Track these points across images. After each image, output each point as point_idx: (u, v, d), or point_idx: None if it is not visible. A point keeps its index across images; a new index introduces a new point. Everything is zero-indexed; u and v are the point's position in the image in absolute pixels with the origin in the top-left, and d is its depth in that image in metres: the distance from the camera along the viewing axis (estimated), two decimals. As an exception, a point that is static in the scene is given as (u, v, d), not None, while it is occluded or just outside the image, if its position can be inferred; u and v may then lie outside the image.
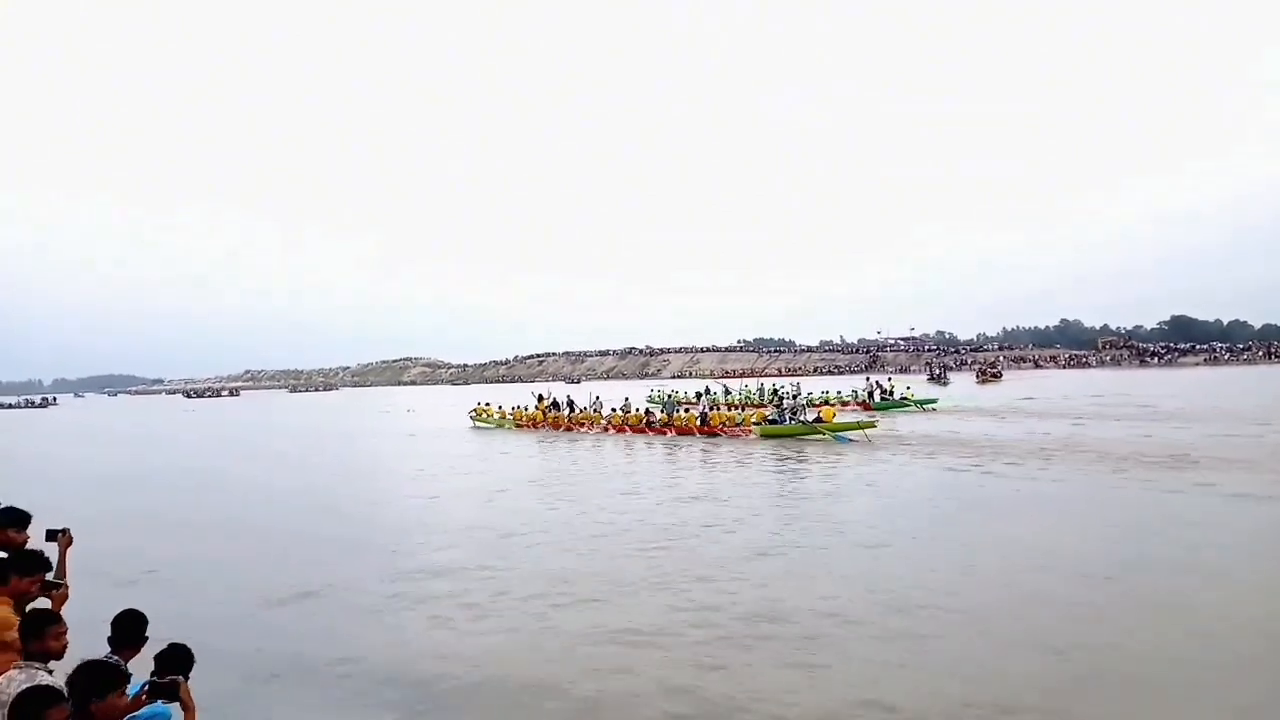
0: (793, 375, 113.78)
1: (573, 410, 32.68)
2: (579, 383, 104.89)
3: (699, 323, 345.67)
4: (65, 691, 2.50)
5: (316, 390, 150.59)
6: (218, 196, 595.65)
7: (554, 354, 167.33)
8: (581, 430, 30.47)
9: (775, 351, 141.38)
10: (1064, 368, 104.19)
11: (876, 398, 36.59)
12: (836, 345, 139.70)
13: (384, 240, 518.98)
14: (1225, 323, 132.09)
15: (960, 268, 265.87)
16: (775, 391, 30.65)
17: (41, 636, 2.98)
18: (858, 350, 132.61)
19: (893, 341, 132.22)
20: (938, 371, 67.83)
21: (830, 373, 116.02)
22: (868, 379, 41.54)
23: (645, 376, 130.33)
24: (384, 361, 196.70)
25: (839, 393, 38.69)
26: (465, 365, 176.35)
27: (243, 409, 75.84)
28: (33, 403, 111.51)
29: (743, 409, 31.91)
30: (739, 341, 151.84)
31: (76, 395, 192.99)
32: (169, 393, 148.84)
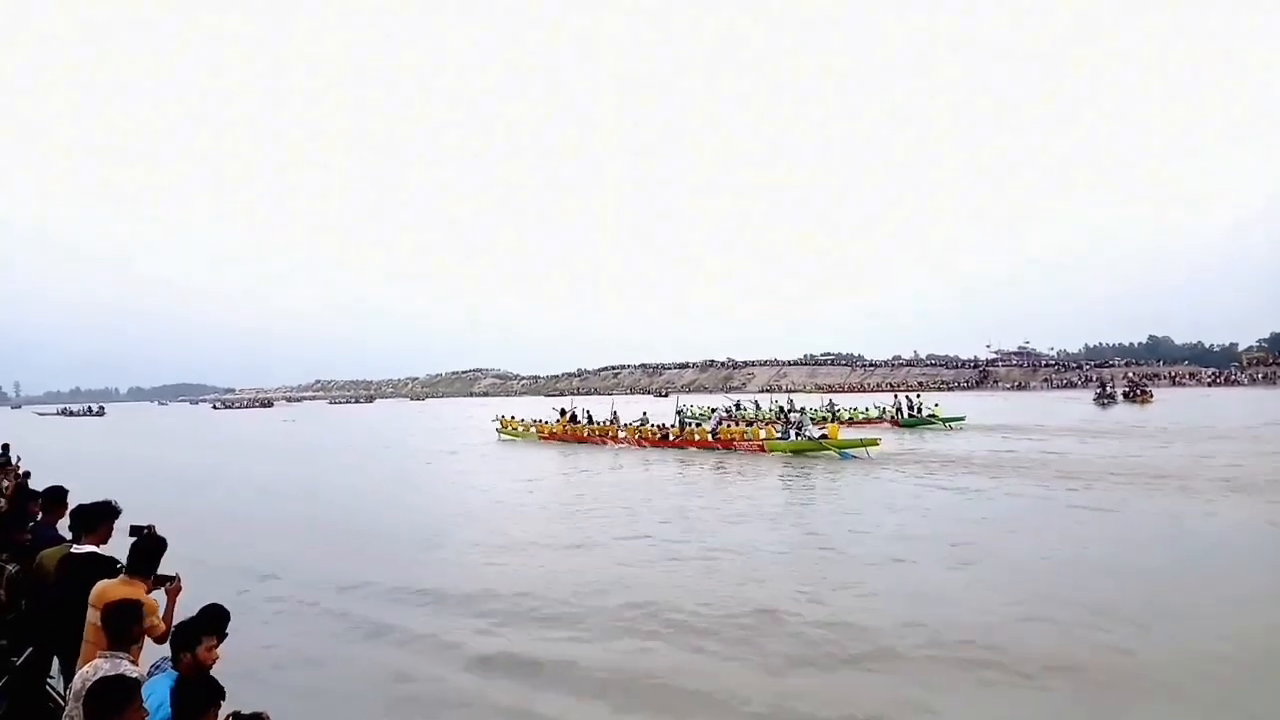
0: (894, 390, 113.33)
1: (591, 423, 36.06)
2: (665, 395, 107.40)
3: (762, 335, 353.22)
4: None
5: (356, 402, 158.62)
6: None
7: (629, 366, 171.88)
8: (602, 443, 33.78)
9: (870, 365, 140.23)
10: (1209, 385, 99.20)
11: (905, 414, 38.42)
12: (940, 359, 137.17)
13: (453, 254, 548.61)
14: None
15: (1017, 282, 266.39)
16: (782, 409, 32.96)
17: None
18: (965, 365, 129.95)
19: (1005, 355, 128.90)
20: (1110, 390, 63.75)
21: (935, 388, 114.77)
22: (895, 396, 43.12)
23: (729, 390, 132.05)
24: (454, 373, 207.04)
25: (866, 409, 40.67)
26: (537, 377, 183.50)
27: (257, 421, 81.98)
28: (71, 411, 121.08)
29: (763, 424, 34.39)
30: (805, 356, 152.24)
31: (159, 403, 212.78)
32: (218, 404, 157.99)
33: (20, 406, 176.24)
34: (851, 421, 39.07)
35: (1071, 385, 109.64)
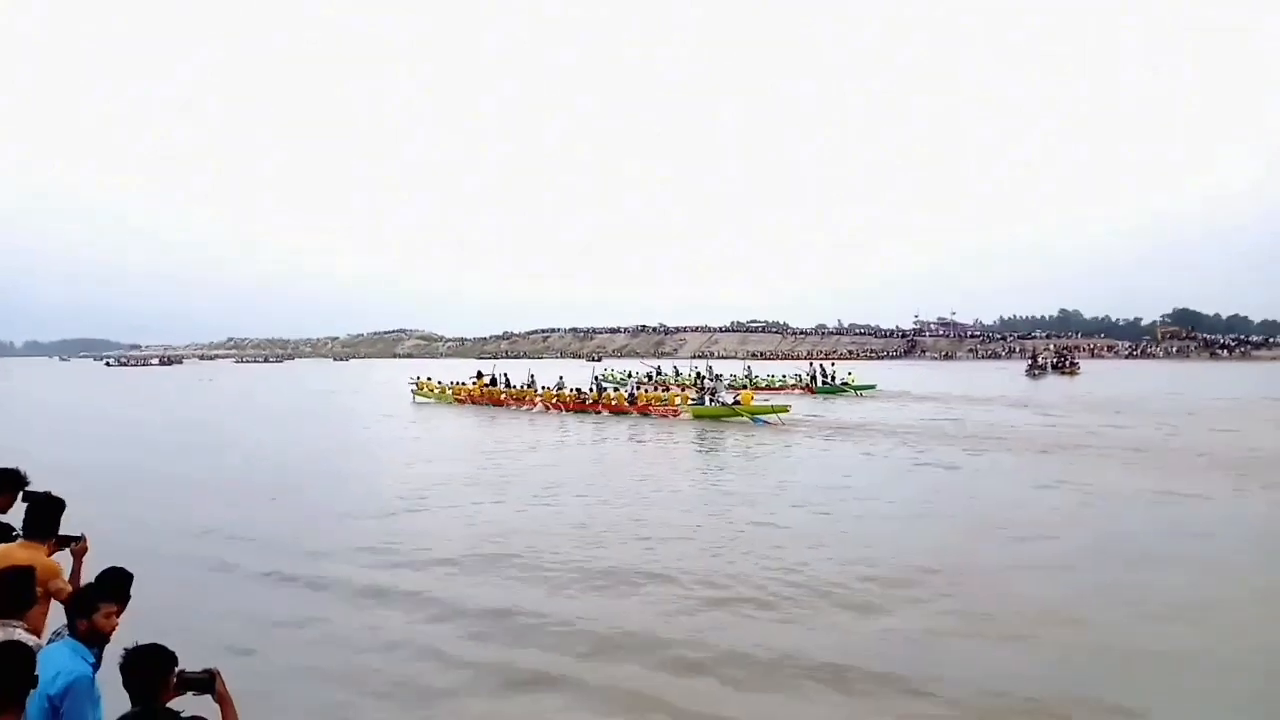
0: (823, 358, 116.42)
1: (509, 387, 36.16)
2: (599, 360, 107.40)
3: (698, 302, 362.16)
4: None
5: (268, 361, 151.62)
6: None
7: (559, 329, 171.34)
8: (517, 406, 33.91)
9: (800, 334, 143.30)
10: (1126, 358, 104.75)
11: (819, 382, 40.01)
12: (867, 329, 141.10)
13: (381, 215, 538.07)
14: (1225, 317, 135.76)
15: (945, 257, 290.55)
16: (699, 375, 33.81)
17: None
18: (893, 335, 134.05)
19: (931, 326, 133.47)
20: (1041, 363, 64.80)
21: (864, 357, 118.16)
22: (810, 364, 44.78)
23: (660, 355, 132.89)
24: (376, 333, 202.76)
25: (784, 376, 42.15)
26: (464, 339, 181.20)
27: (140, 380, 79.01)
28: None
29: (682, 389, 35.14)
30: (732, 323, 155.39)
31: (60, 358, 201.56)
32: (113, 361, 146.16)
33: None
34: (770, 388, 40.28)
35: (996, 356, 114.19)
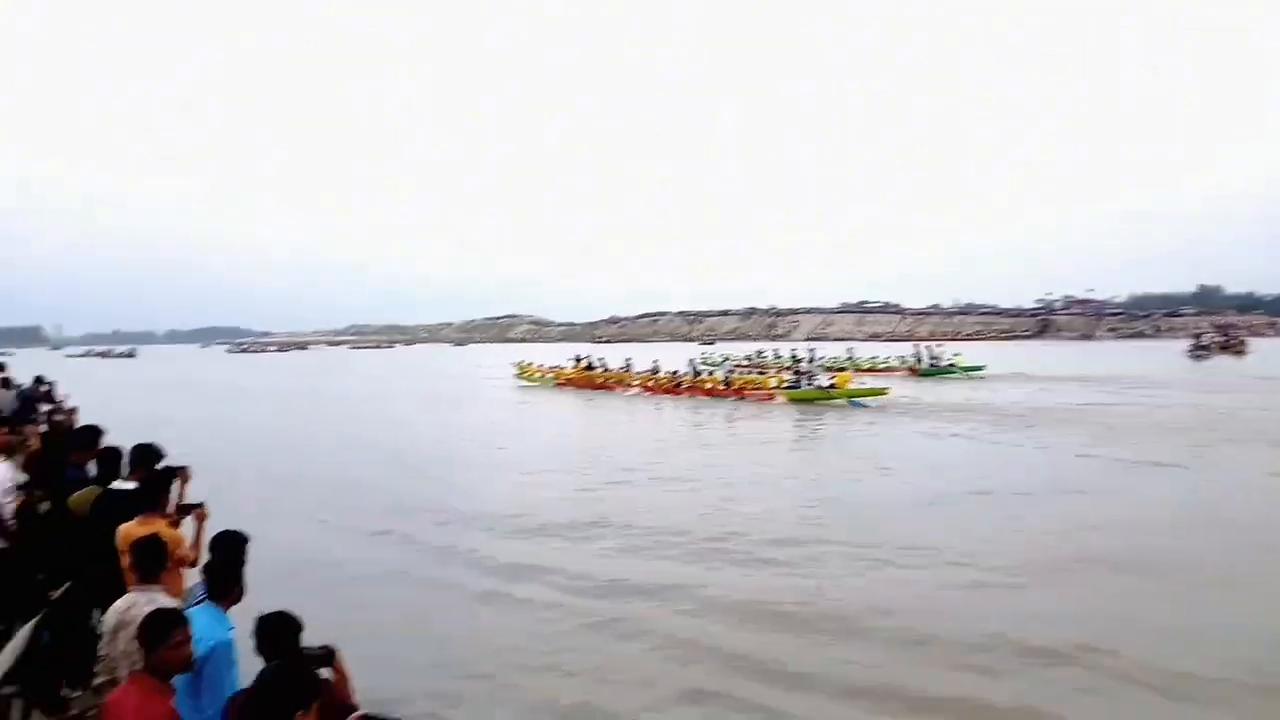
0: (947, 339, 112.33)
1: (606, 371, 37.49)
2: (711, 343, 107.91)
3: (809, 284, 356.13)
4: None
5: (379, 348, 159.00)
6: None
7: (668, 313, 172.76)
8: (614, 390, 35.20)
9: (921, 314, 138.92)
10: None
11: (925, 363, 39.31)
12: (992, 308, 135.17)
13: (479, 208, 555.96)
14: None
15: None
16: (795, 358, 33.86)
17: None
18: (1023, 314, 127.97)
19: (1065, 303, 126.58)
20: (1206, 342, 58.90)
21: (992, 337, 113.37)
22: (915, 345, 43.87)
23: (772, 338, 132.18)
24: (489, 319, 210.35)
25: (886, 359, 41.58)
26: (573, 324, 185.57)
27: (249, 367, 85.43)
28: (103, 353, 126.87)
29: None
30: (851, 303, 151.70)
31: (201, 346, 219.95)
32: (233, 347, 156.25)
33: (60, 348, 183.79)
34: (872, 370, 39.95)
35: (1140, 335, 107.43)
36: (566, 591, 8.30)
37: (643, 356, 41.81)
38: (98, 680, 3.35)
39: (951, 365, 38.58)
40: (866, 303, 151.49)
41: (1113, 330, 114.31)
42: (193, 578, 3.83)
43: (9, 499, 5.17)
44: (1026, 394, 28.85)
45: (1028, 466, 15.18)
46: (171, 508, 4.49)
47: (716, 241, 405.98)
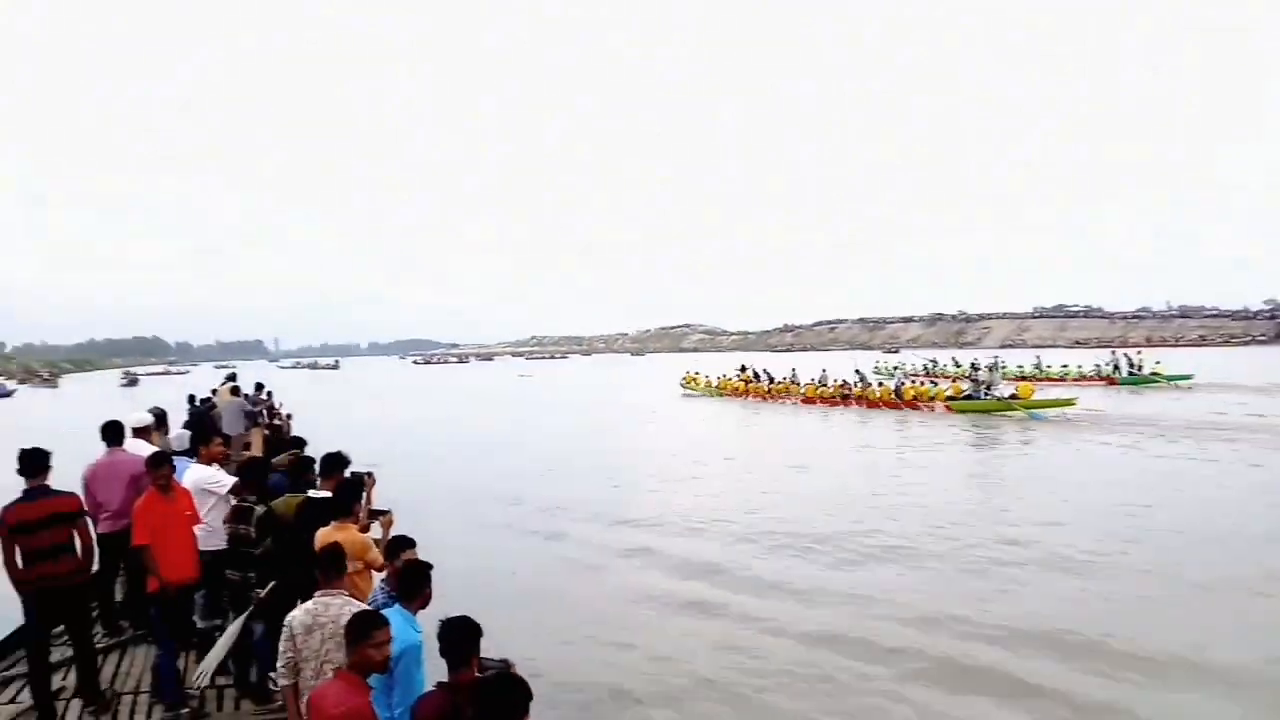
0: (1165, 346, 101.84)
1: (771, 381, 37.33)
2: (896, 351, 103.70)
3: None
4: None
5: (551, 359, 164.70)
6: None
7: (846, 320, 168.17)
8: (778, 400, 35.06)
9: (1134, 317, 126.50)
10: None
11: (1124, 372, 35.88)
12: (1214, 310, 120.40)
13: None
14: None
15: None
16: (973, 366, 32.00)
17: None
18: (1258, 315, 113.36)
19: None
20: None
21: (1219, 342, 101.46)
22: (1113, 351, 39.96)
23: (961, 345, 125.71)
24: (663, 328, 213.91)
25: (1079, 367, 38.28)
26: (747, 333, 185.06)
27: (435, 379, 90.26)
28: (310, 365, 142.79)
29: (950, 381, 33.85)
30: (1051, 306, 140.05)
31: (400, 357, 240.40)
32: (418, 360, 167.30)
33: (277, 360, 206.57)
34: (1063, 379, 37.42)
35: None
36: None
37: (813, 366, 41.35)
38: (282, 680, 3.56)
39: (1154, 374, 35.17)
40: (1064, 306, 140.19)
41: None
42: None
43: (224, 503, 5.53)
44: (1237, 406, 25.79)
45: (1197, 487, 13.87)
46: (363, 513, 4.90)
47: (907, 250, 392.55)
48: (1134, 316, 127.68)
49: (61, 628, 4.98)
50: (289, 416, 19.53)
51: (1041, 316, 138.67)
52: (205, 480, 5.50)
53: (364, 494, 4.98)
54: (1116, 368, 36.43)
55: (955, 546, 10.30)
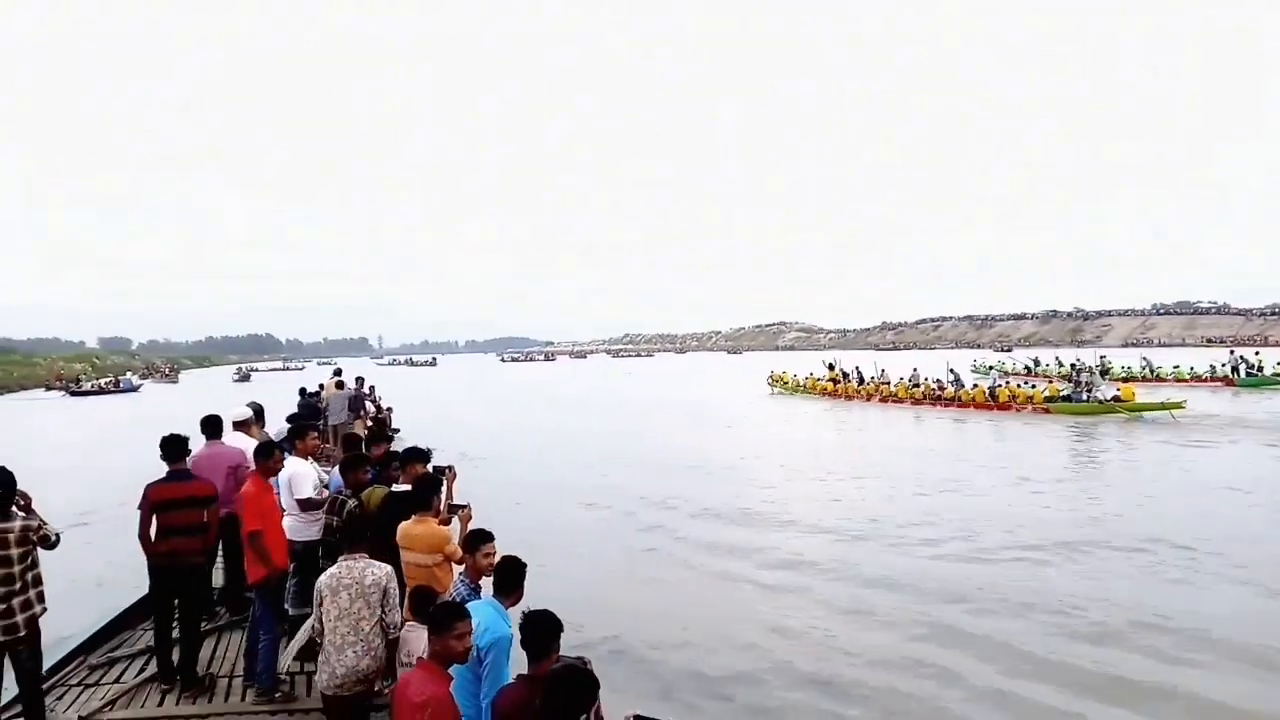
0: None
1: (862, 381, 37.18)
2: (1009, 350, 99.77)
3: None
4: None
5: (638, 356, 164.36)
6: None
7: (953, 318, 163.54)
8: (868, 400, 34.92)
9: (1274, 314, 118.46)
10: None
11: (1242, 372, 34.15)
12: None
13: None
14: None
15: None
16: (1073, 366, 31.03)
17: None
18: None
19: None
20: None
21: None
22: (1231, 351, 37.86)
23: (1078, 344, 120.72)
24: (759, 326, 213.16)
25: (1191, 367, 36.55)
26: (845, 330, 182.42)
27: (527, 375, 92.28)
28: (411, 361, 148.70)
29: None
30: (1177, 303, 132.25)
31: (500, 357, 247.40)
32: (505, 357, 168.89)
33: (382, 357, 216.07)
34: (1177, 380, 36.06)
35: None
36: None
37: (916, 364, 41.02)
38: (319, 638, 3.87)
39: (1276, 374, 33.53)
40: (1187, 303, 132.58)
41: None
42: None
43: (320, 495, 5.90)
44: None
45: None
46: (443, 506, 5.13)
47: (1024, 235, 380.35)
48: (1273, 313, 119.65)
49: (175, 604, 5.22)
50: (389, 409, 21.15)
51: (1166, 314, 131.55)
52: (298, 475, 5.81)
53: (443, 488, 5.20)
54: (1235, 369, 34.87)
55: (1025, 546, 10.44)
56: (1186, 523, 11.44)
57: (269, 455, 5.27)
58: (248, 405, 7.64)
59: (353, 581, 3.84)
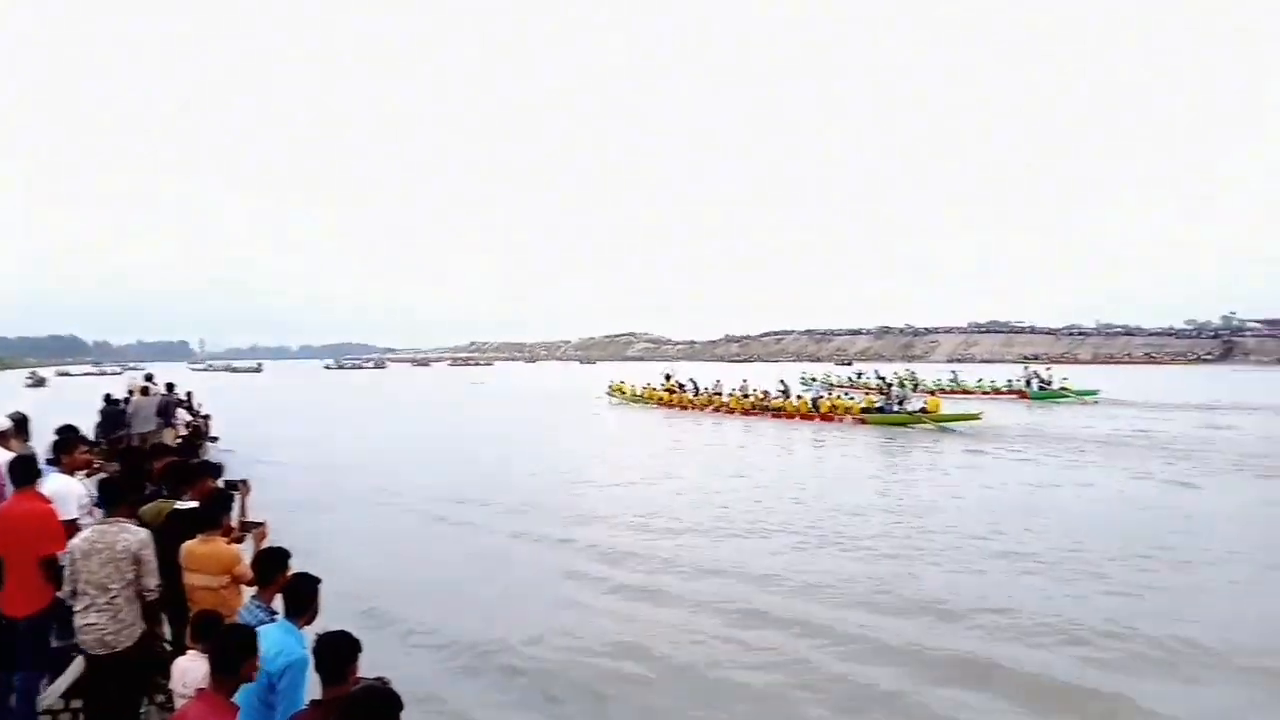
0: (1111, 362, 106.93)
1: (697, 392, 38.77)
2: (850, 364, 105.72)
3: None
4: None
5: (478, 365, 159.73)
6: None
7: (794, 331, 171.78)
8: (702, 411, 36.42)
9: (1081, 334, 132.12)
10: None
11: (1034, 387, 38.85)
12: (1170, 329, 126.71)
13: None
14: None
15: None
16: (883, 379, 33.95)
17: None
18: (1202, 335, 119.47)
19: (1256, 325, 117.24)
20: None
21: (1165, 360, 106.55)
22: (1026, 367, 42.88)
23: (909, 359, 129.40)
24: (608, 336, 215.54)
25: (992, 381, 40.99)
26: (694, 342, 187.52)
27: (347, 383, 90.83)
28: (233, 368, 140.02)
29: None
30: (970, 324, 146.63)
31: (328, 363, 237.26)
32: (331, 364, 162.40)
33: (202, 362, 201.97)
34: (979, 393, 40.02)
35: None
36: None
37: (739, 377, 42.92)
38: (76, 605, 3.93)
39: (1063, 389, 38.11)
40: (998, 322, 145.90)
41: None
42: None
43: (84, 514, 5.26)
44: (1128, 422, 28.12)
45: (1046, 493, 15.69)
46: (234, 523, 4.84)
47: (846, 256, 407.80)
48: (1079, 333, 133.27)
49: None
50: (208, 417, 20.21)
51: (984, 331, 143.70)
52: (61, 493, 5.11)
53: (233, 505, 4.86)
54: (1028, 383, 39.39)
55: (845, 537, 11.91)
56: (968, 516, 13.30)
57: (27, 473, 4.68)
58: (9, 416, 6.75)
59: (105, 546, 3.93)
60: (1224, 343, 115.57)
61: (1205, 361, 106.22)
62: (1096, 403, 35.51)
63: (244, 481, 5.53)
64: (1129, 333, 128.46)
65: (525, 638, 7.94)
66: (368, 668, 3.12)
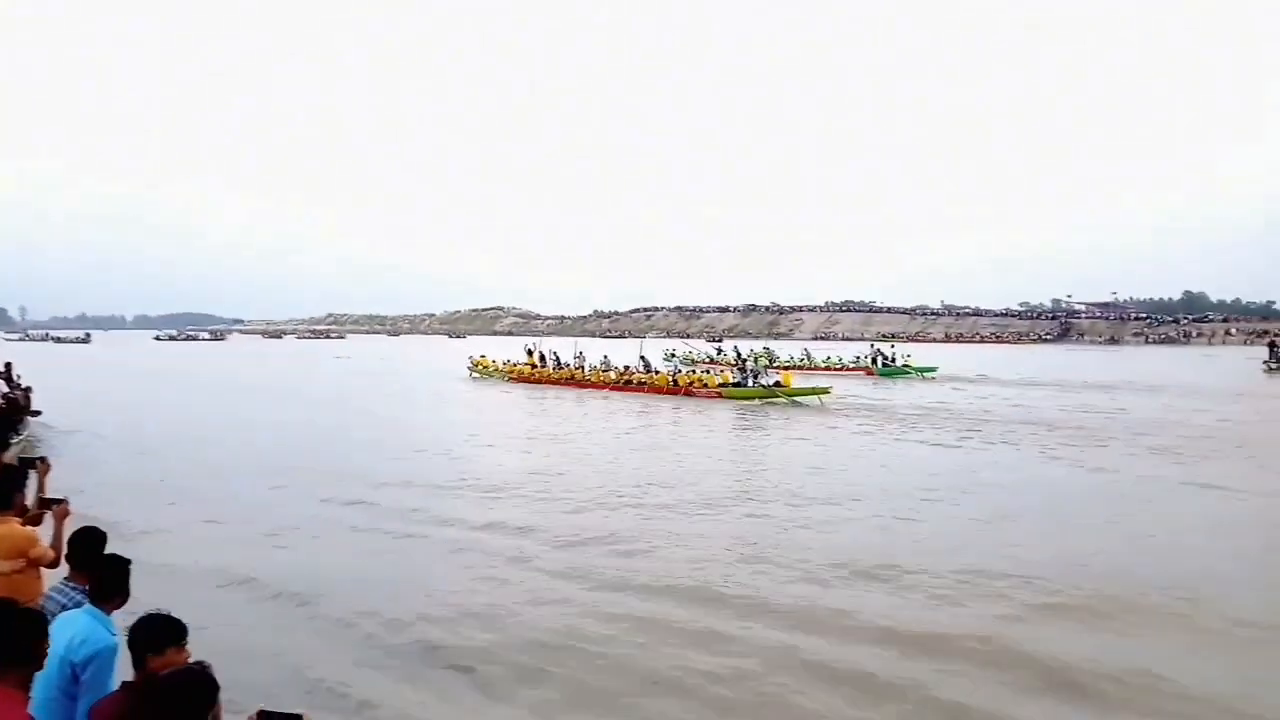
0: (962, 341, 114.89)
1: (559, 366, 39.29)
2: (720, 340, 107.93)
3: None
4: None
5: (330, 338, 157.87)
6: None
7: (664, 308, 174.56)
8: (566, 386, 36.95)
9: (933, 314, 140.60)
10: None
11: (880, 364, 41.95)
12: (1013, 310, 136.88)
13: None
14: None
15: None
16: (740, 356, 35.75)
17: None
18: (1041, 316, 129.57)
19: (1083, 308, 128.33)
20: None
21: (1009, 340, 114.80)
22: (872, 345, 46.41)
23: (774, 336, 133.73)
24: (475, 310, 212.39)
25: (840, 358, 43.93)
26: (564, 317, 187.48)
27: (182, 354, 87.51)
28: (58, 338, 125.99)
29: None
30: (834, 302, 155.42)
31: (161, 335, 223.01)
32: (162, 336, 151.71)
33: (26, 332, 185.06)
34: (828, 369, 43.01)
35: (1170, 340, 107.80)
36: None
37: (610, 351, 43.77)
38: None
39: (906, 366, 41.48)
40: (861, 302, 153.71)
41: (1139, 335, 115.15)
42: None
43: None
44: (957, 394, 31.25)
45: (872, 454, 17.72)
46: (32, 501, 4.66)
47: (715, 241, 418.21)
48: (933, 314, 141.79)
49: None
50: (29, 389, 19.02)
51: (849, 310, 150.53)
52: None
53: (26, 482, 4.69)
54: (874, 360, 42.52)
55: (682, 502, 12.94)
56: (809, 481, 14.71)
57: None
58: None
59: None
60: (1061, 324, 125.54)
61: (1045, 341, 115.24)
62: (934, 378, 38.92)
63: (43, 459, 5.24)
64: (977, 313, 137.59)
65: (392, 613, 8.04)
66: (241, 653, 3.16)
